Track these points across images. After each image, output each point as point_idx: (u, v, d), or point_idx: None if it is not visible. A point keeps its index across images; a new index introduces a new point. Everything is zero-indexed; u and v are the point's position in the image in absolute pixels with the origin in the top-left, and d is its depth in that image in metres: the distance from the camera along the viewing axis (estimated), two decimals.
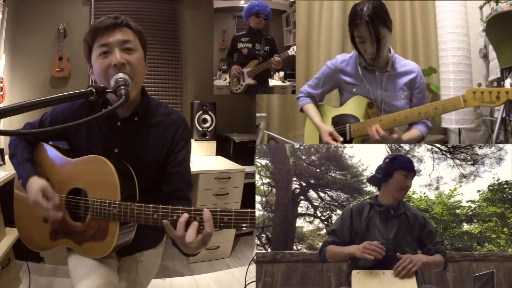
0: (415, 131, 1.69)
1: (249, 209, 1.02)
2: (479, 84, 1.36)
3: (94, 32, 1.18)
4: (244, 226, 1.04)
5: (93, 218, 1.17)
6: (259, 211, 2.83)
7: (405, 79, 1.67)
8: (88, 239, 1.20)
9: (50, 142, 1.37)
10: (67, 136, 1.32)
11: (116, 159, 1.21)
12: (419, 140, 1.70)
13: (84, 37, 1.21)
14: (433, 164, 2.78)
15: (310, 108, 1.87)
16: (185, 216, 1.02)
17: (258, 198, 2.90)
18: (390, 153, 2.38)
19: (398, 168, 1.26)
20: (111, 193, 1.14)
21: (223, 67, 2.97)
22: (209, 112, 3.20)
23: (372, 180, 1.33)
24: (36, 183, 1.18)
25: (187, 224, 1.03)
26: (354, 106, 1.73)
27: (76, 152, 1.29)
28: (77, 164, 1.25)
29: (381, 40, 1.52)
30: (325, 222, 3.01)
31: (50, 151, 1.32)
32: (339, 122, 1.76)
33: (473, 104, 1.35)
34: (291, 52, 2.68)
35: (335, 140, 1.68)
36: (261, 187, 2.99)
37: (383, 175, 1.29)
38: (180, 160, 1.30)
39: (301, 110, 1.93)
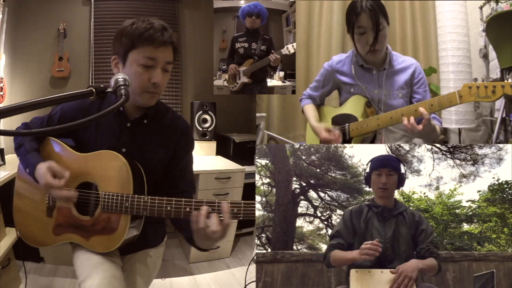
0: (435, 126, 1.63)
1: (242, 201, 1.08)
2: (475, 80, 1.35)
3: (148, 39, 1.16)
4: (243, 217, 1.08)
5: (103, 211, 1.19)
6: (259, 211, 2.83)
7: (404, 76, 1.65)
8: (97, 233, 1.21)
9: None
10: (74, 133, 1.33)
11: (126, 157, 1.22)
12: (438, 135, 1.65)
13: (127, 31, 1.18)
14: (433, 164, 2.78)
15: (309, 109, 1.89)
16: (205, 208, 1.06)
17: (258, 198, 2.90)
18: (390, 152, 2.38)
19: (372, 169, 1.34)
20: (124, 187, 1.17)
21: (223, 67, 2.97)
22: (209, 112, 3.20)
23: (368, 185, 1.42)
24: (43, 165, 1.18)
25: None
26: (352, 106, 1.73)
27: (82, 149, 1.29)
28: (88, 158, 1.25)
29: (381, 31, 1.52)
30: (325, 222, 3.01)
31: (58, 145, 1.32)
32: (338, 122, 1.76)
33: (469, 100, 1.34)
34: (284, 51, 2.67)
35: (333, 136, 1.67)
36: (261, 187, 2.99)
37: (366, 180, 1.37)
38: (184, 164, 1.35)
39: (302, 111, 1.96)
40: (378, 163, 1.33)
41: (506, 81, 1.30)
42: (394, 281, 1.11)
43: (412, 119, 1.44)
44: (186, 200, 1.10)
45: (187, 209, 1.09)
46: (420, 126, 1.42)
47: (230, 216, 1.06)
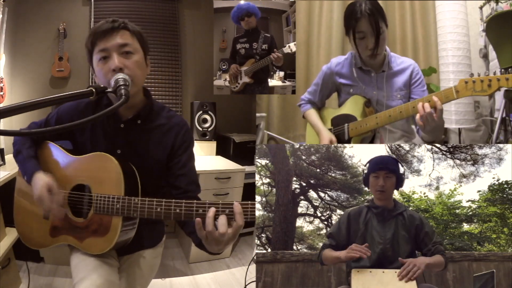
0: None
1: (249, 201, 1.04)
2: (471, 74, 1.35)
3: (93, 37, 1.20)
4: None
5: (96, 213, 1.18)
6: (259, 211, 2.83)
7: (402, 78, 1.65)
8: (90, 235, 1.20)
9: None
10: (71, 136, 1.33)
11: (120, 158, 1.22)
12: (442, 134, 1.63)
13: (85, 42, 1.23)
14: (433, 164, 2.78)
15: (312, 114, 1.89)
16: (212, 210, 1.02)
17: (258, 198, 2.90)
18: (390, 153, 2.38)
19: (370, 172, 1.33)
20: (115, 188, 1.16)
21: (223, 67, 2.97)
22: (209, 112, 3.20)
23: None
24: (42, 178, 1.18)
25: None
26: (351, 106, 1.73)
27: (79, 152, 1.30)
28: (82, 161, 1.26)
29: (381, 35, 1.52)
30: (325, 222, 3.01)
31: (55, 149, 1.32)
32: (338, 122, 1.76)
33: (466, 94, 1.34)
34: (286, 49, 2.67)
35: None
36: (261, 187, 2.99)
37: (364, 182, 1.36)
38: (184, 162, 1.31)
39: (304, 116, 1.96)
40: (375, 166, 1.32)
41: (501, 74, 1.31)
42: (403, 269, 1.13)
43: (428, 107, 1.35)
44: (176, 202, 1.08)
45: (177, 211, 1.07)
46: (435, 115, 1.35)
47: (242, 218, 1.01)
